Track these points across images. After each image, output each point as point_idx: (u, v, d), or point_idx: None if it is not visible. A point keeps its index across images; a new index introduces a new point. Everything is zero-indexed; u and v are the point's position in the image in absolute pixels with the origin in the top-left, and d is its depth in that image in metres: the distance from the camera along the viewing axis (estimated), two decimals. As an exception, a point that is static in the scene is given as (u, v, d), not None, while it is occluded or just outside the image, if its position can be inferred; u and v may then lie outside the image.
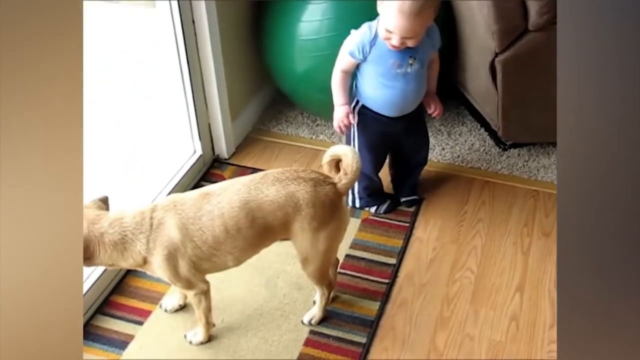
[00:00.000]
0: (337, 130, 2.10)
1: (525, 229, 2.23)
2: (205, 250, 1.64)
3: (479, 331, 1.90)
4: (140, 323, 1.94)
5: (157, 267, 1.63)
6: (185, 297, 1.95)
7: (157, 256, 1.60)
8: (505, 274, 2.07)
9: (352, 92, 2.13)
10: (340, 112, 2.06)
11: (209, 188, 1.68)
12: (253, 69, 2.68)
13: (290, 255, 2.09)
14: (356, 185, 2.21)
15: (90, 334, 1.90)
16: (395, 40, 1.85)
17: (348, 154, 1.70)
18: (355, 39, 1.95)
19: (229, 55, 2.44)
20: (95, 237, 1.57)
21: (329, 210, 1.67)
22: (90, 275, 1.96)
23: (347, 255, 2.14)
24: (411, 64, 1.95)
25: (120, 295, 2.02)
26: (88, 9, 3.65)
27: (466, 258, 2.12)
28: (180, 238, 1.60)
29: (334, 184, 1.70)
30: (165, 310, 1.97)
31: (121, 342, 1.88)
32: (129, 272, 2.07)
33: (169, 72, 2.36)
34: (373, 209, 2.29)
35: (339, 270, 2.07)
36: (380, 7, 1.87)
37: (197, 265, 1.66)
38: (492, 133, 2.62)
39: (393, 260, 2.12)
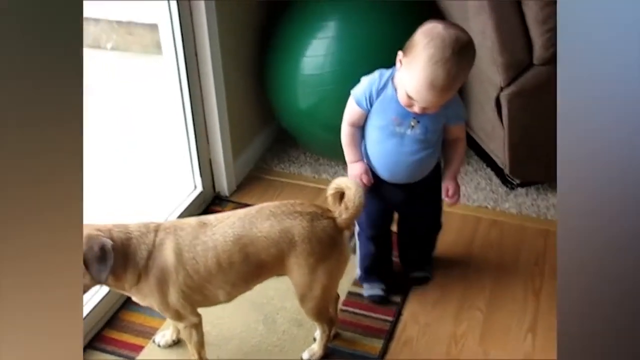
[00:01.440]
0: (359, 181, 1.80)
1: (536, 268, 2.15)
2: (197, 280, 1.58)
3: (488, 372, 1.80)
4: (132, 358, 1.84)
5: (149, 291, 1.56)
6: (179, 332, 1.86)
7: (151, 277, 1.54)
8: (515, 315, 1.97)
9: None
10: (356, 169, 1.81)
11: (207, 218, 1.64)
12: (256, 106, 2.67)
13: (290, 291, 1.99)
14: (358, 253, 2.03)
15: (79, 369, 1.81)
16: (417, 108, 1.65)
17: (351, 187, 1.62)
18: (363, 86, 1.74)
19: (232, 92, 2.43)
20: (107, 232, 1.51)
21: (327, 245, 1.60)
22: (83, 307, 1.89)
23: (349, 293, 2.05)
24: (412, 127, 1.71)
25: (113, 329, 1.93)
26: (100, 58, 3.71)
27: (474, 297, 2.03)
28: (174, 263, 1.54)
29: (333, 219, 1.63)
30: (159, 345, 1.88)
31: (110, 378, 1.79)
32: (123, 306, 2.00)
33: (171, 108, 2.35)
34: (364, 291, 2.04)
35: (341, 307, 1.98)
36: (406, 66, 1.62)
37: (188, 295, 1.59)
38: (498, 172, 2.57)
39: (397, 299, 2.03)
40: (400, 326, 1.94)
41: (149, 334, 1.92)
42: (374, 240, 1.97)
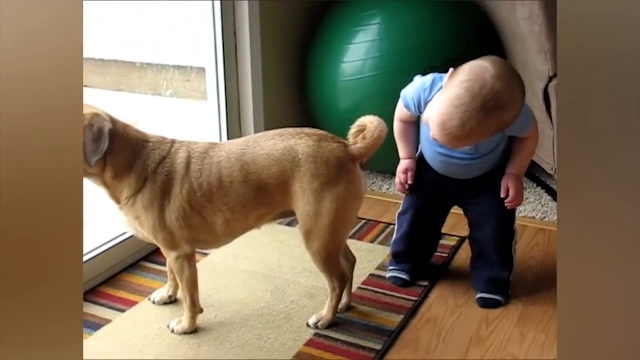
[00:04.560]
0: (397, 187, 1.77)
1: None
2: (199, 197, 1.49)
3: (524, 352, 1.51)
4: (122, 310, 1.68)
5: (148, 202, 1.47)
6: (176, 287, 1.69)
7: (158, 183, 1.46)
8: (561, 305, 1.70)
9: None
10: (401, 165, 1.73)
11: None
12: (295, 111, 2.61)
13: (306, 269, 1.84)
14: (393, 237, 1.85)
15: (63, 312, 1.65)
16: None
17: (374, 121, 1.54)
18: (412, 90, 1.62)
19: (271, 96, 2.42)
20: (120, 124, 1.47)
21: (334, 168, 1.47)
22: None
23: (371, 275, 1.84)
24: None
25: (110, 287, 1.79)
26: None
27: (514, 288, 1.76)
28: (182, 173, 1.48)
29: (344, 144, 1.52)
30: (153, 302, 1.71)
31: (94, 324, 1.61)
32: (125, 269, 1.86)
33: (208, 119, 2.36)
34: (387, 273, 1.83)
35: (360, 285, 1.77)
36: (442, 89, 1.51)
37: (187, 215, 1.49)
38: (548, 190, 2.36)
39: (425, 283, 1.80)
40: (425, 306, 1.70)
41: (146, 292, 1.76)
42: (417, 222, 1.76)
